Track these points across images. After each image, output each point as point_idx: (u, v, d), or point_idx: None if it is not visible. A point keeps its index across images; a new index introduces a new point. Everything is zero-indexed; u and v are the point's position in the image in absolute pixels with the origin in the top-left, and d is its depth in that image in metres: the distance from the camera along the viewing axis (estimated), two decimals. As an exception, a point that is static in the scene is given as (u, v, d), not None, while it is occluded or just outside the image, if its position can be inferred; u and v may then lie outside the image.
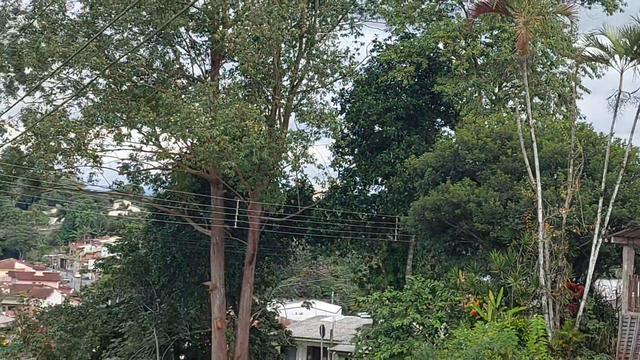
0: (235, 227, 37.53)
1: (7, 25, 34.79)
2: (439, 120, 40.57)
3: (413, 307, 26.97)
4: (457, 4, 37.75)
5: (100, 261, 55.30)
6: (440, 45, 36.95)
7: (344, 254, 43.50)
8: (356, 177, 40.00)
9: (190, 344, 46.94)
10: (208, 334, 42.10)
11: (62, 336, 47.70)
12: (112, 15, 32.71)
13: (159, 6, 32.64)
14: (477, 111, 34.81)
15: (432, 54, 37.16)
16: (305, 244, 43.57)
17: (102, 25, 33.83)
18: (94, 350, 48.01)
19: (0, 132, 33.49)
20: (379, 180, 39.81)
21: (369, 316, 31.53)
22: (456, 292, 26.79)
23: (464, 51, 36.26)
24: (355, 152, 40.36)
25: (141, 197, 44.13)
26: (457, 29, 35.81)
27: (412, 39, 37.50)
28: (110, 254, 50.27)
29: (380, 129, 39.17)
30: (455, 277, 26.96)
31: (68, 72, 33.76)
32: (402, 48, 37.00)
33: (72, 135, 32.61)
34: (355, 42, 38.15)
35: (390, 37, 39.47)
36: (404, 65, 37.24)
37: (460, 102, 36.55)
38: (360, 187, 40.16)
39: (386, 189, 38.88)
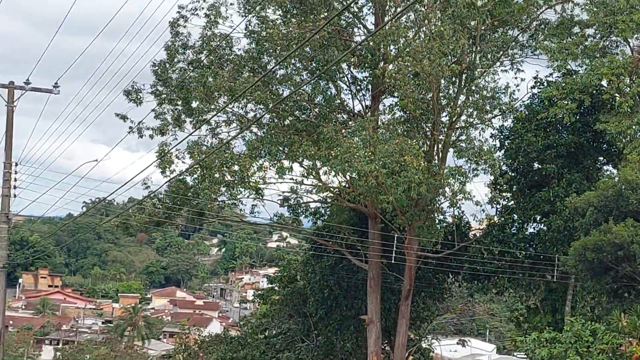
0: (392, 261, 37.64)
1: (176, 60, 36.24)
2: (600, 158, 39.70)
3: (573, 349, 26.42)
4: (622, 41, 36.99)
5: (260, 292, 56.43)
6: (604, 83, 36.25)
7: (501, 292, 42.90)
8: (514, 215, 39.48)
9: (345, 377, 47.17)
10: (363, 368, 42.23)
11: (221, 365, 48.77)
12: (277, 51, 33.65)
13: (323, 42, 33.35)
14: (641, 150, 33.94)
15: (595, 91, 36.47)
16: (461, 281, 43.24)
17: (267, 60, 34.89)
18: (252, 379, 48.85)
19: (168, 164, 34.73)
20: (538, 218, 39.15)
21: (526, 356, 31.01)
22: (618, 336, 26.10)
23: (629, 89, 35.46)
24: (514, 189, 39.89)
25: (300, 229, 44.88)
26: (622, 66, 35.06)
27: (574, 76, 36.93)
28: (269, 285, 51.20)
29: (539, 166, 38.61)
30: (617, 320, 26.29)
31: (233, 106, 34.82)
32: (564, 85, 36.48)
33: (236, 167, 33.60)
34: (516, 78, 37.83)
35: (551, 74, 39.00)
36: (566, 102, 36.61)
37: (623, 140, 35.67)
38: (518, 225, 39.61)
39: (545, 228, 38.21)
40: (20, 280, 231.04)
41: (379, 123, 35.72)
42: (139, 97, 36.25)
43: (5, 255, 34.53)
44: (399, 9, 35.50)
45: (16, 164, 34.61)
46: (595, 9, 36.29)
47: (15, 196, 34.51)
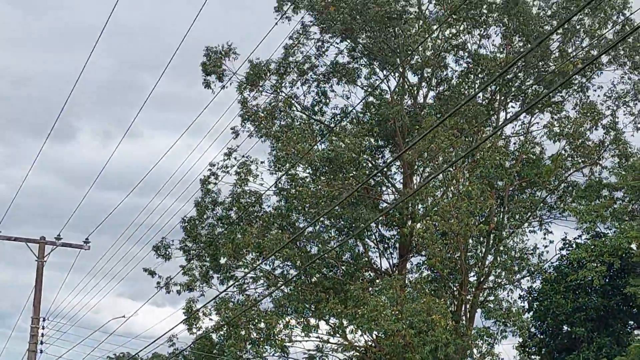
0: None
1: (205, 216, 36.52)
2: (631, 322, 39.08)
3: None
4: (651, 204, 37.10)
5: None
6: (633, 246, 36.09)
7: None
8: (543, 378, 38.72)
9: None
10: None
11: None
12: (306, 209, 33.87)
13: (351, 201, 33.57)
14: (673, 314, 33.47)
15: (624, 254, 36.26)
16: None
17: (295, 217, 35.09)
18: None
19: (194, 320, 34.53)
20: (568, 382, 38.34)
21: None
22: None
23: (659, 252, 35.27)
24: (543, 352, 39.22)
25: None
26: (651, 230, 35.00)
27: (603, 238, 36.84)
28: None
29: (569, 329, 38.04)
30: None
31: (261, 263, 34.82)
32: (593, 247, 36.36)
33: (262, 325, 33.32)
34: (544, 239, 37.79)
35: (580, 236, 38.91)
36: (595, 264, 36.38)
37: (654, 304, 35.28)
38: (547, 389, 38.78)
39: (576, 392, 37.37)
40: None
41: (407, 282, 35.52)
42: (167, 252, 36.48)
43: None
44: (427, 169, 35.92)
45: (44, 319, 34.56)
46: (623, 172, 36.51)
47: (41, 352, 34.29)
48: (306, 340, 35.46)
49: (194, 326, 34.72)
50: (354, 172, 34.12)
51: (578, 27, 35.23)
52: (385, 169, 37.13)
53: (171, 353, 36.33)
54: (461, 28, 35.37)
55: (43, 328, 34.46)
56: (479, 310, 36.47)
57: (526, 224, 37.36)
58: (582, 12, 34.34)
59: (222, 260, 35.59)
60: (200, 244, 36.23)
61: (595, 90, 36.79)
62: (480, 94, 35.96)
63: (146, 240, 37.19)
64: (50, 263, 34.62)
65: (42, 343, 34.41)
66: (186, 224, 36.43)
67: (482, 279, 36.35)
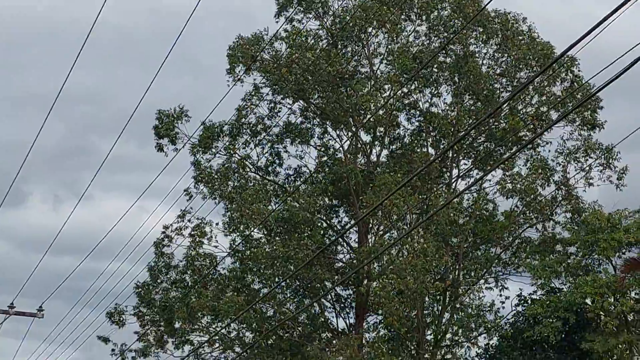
0: None
1: (159, 280, 36.14)
2: (589, 378, 39.09)
3: None
4: (605, 259, 37.28)
5: None
6: (588, 301, 36.21)
7: None
8: None
9: None
10: None
11: None
12: (261, 270, 33.66)
13: (306, 261, 33.41)
14: (630, 370, 33.51)
15: (579, 310, 36.36)
16: None
17: (250, 279, 34.84)
18: None
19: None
20: None
21: None
22: None
23: (614, 307, 35.40)
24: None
25: None
26: (606, 285, 35.13)
27: (558, 294, 36.95)
28: None
29: (528, 388, 37.93)
30: None
31: (216, 326, 34.43)
32: (548, 303, 36.41)
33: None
34: (500, 295, 37.78)
35: (535, 291, 38.97)
36: (551, 320, 36.41)
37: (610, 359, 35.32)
38: None
39: None
40: None
41: (364, 341, 35.28)
42: (121, 319, 36.01)
43: None
44: (381, 227, 35.93)
45: (-3, 392, 33.78)
46: (576, 228, 36.79)
47: None
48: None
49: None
50: (309, 232, 34.03)
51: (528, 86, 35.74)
52: (340, 229, 37.13)
53: None
54: (412, 87, 35.71)
55: (-5, 401, 33.66)
56: (437, 369, 36.31)
57: (482, 281, 37.38)
58: (531, 69, 34.88)
59: (177, 325, 35.17)
60: (155, 308, 35.80)
61: (544, 146, 37.21)
62: (433, 151, 36.23)
63: (101, 307, 36.75)
64: (3, 331, 34.00)
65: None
66: (140, 289, 36.04)
67: (439, 337, 36.20)
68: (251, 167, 36.46)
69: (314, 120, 36.50)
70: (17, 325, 36.02)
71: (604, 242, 35.14)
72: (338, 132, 36.66)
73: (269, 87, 35.28)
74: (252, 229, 33.95)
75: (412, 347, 35.83)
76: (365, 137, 37.02)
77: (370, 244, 34.90)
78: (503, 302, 38.17)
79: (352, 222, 36.77)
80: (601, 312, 35.54)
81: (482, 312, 36.21)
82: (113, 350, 36.04)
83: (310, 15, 35.31)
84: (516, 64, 35.59)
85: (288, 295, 35.68)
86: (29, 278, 32.64)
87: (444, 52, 35.35)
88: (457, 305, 36.00)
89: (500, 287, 37.82)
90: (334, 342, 35.39)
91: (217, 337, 35.53)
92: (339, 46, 35.19)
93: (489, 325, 36.64)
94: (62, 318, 35.40)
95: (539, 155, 36.90)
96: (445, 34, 35.70)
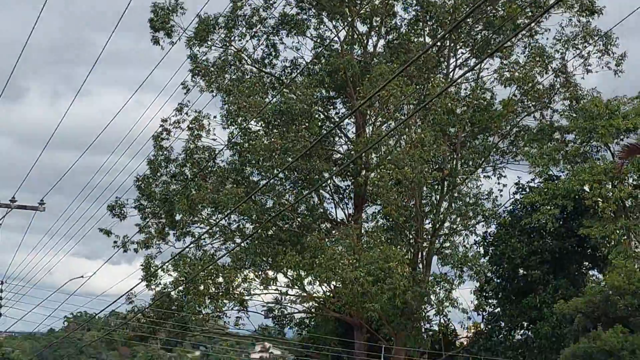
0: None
1: (159, 174, 36.30)
2: (586, 263, 39.57)
3: None
4: (603, 146, 37.33)
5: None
6: (586, 188, 36.38)
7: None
8: (501, 322, 39.12)
9: None
10: None
11: None
12: (260, 162, 33.79)
13: (305, 153, 33.48)
14: (626, 255, 33.85)
15: (577, 197, 36.56)
16: (450, 390, 42.55)
17: (250, 171, 35.01)
18: None
19: (153, 277, 34.45)
20: (525, 325, 38.80)
21: None
22: None
23: (611, 194, 35.58)
24: (500, 295, 39.62)
25: (286, 340, 44.33)
26: (603, 172, 35.26)
27: (556, 181, 37.12)
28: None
29: (524, 272, 38.45)
30: None
31: (217, 218, 34.74)
32: (546, 190, 36.62)
33: (221, 279, 33.34)
34: (498, 183, 37.98)
35: (533, 179, 39.20)
36: (549, 207, 36.64)
37: (608, 245, 35.67)
38: (505, 332, 39.21)
39: (532, 335, 37.83)
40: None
41: (363, 231, 35.63)
42: (122, 212, 36.29)
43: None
44: (379, 118, 35.87)
45: (1, 282, 34.35)
46: (574, 115, 36.72)
47: (0, 315, 34.15)
48: (265, 293, 35.65)
49: (153, 283, 34.65)
50: (306, 124, 34.01)
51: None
52: (337, 121, 37.07)
53: (130, 310, 36.28)
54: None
55: (1, 291, 34.26)
56: (435, 257, 36.73)
57: (480, 170, 37.54)
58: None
59: (178, 217, 35.48)
60: (155, 201, 36.05)
61: (543, 34, 36.84)
62: (430, 40, 35.90)
63: (101, 201, 37.00)
64: (5, 225, 34.33)
65: (0, 306, 34.23)
66: (140, 182, 36.22)
67: (437, 225, 36.54)
68: (247, 59, 36.24)
69: (310, 11, 36.07)
70: (19, 220, 36.47)
71: (602, 129, 35.13)
72: (334, 23, 36.31)
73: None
74: (250, 121, 33.96)
75: (411, 236, 36.21)
76: (362, 28, 36.71)
77: (367, 135, 34.93)
78: (501, 191, 38.46)
79: (350, 113, 36.70)
80: (599, 199, 35.74)
81: (480, 200, 36.48)
82: (115, 242, 36.40)
83: None
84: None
85: (287, 187, 35.88)
86: (29, 172, 32.79)
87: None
88: (455, 194, 36.21)
89: (498, 176, 38.05)
90: (334, 232, 35.78)
91: (217, 229, 35.90)
92: None
93: (487, 214, 36.96)
94: (64, 211, 35.73)
95: (537, 43, 36.57)
96: None
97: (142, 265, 35.62)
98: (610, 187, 36.00)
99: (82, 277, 35.07)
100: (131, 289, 34.28)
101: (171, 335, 39.20)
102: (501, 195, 37.91)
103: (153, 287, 35.06)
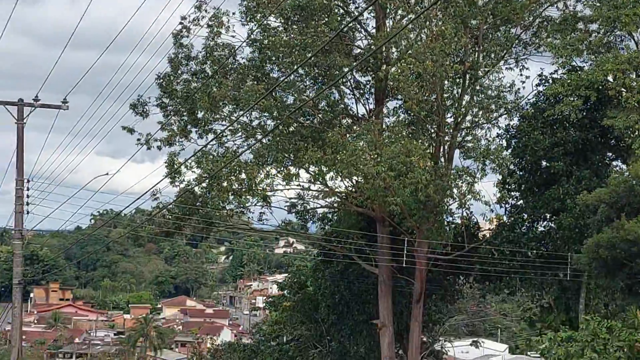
0: (402, 265, 37.46)
1: (180, 72, 36.22)
2: (609, 154, 39.47)
3: (589, 347, 26.20)
4: (627, 35, 36.82)
5: (270, 299, 56.40)
6: (610, 78, 36.02)
7: (513, 292, 42.72)
8: (524, 214, 39.28)
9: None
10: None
11: (234, 373, 48.87)
12: (280, 59, 33.59)
13: (324, 48, 33.25)
14: (650, 144, 33.70)
15: (601, 87, 36.23)
16: (472, 282, 43.08)
17: (270, 68, 34.85)
18: (265, 387, 48.86)
19: (176, 174, 34.67)
20: (548, 216, 38.96)
21: (540, 356, 30.82)
22: (635, 332, 25.88)
23: (635, 83, 35.24)
24: (523, 188, 39.69)
25: (309, 235, 44.80)
26: (627, 61, 34.86)
27: (579, 72, 36.74)
28: (279, 292, 51.09)
29: (547, 164, 38.41)
30: (633, 316, 26.09)
31: (238, 115, 34.75)
32: (569, 81, 36.26)
33: (243, 175, 33.56)
34: (521, 75, 37.63)
35: (556, 71, 38.80)
36: (572, 98, 36.37)
37: (631, 135, 35.48)
38: (528, 224, 39.41)
39: (555, 226, 38.00)
40: (31, 295, 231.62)
41: (384, 126, 35.59)
42: (145, 110, 36.30)
43: (20, 272, 34.57)
44: (399, 12, 35.41)
45: (28, 181, 34.59)
46: (598, 4, 36.10)
47: (28, 212, 34.51)
48: (287, 189, 35.89)
49: (177, 180, 34.92)
50: (326, 19, 33.65)
51: None
52: (357, 13, 36.61)
53: (155, 207, 36.65)
54: None
55: (28, 189, 34.53)
56: (457, 151, 36.74)
57: (502, 62, 37.14)
58: None
59: (200, 115, 35.53)
60: (177, 99, 36.05)
61: None
62: None
63: (123, 99, 36.98)
64: (29, 125, 34.45)
65: (28, 204, 34.56)
66: (161, 80, 36.15)
67: (459, 119, 36.41)
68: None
69: None
70: (43, 120, 36.37)
71: (626, 18, 34.61)
72: None
73: None
74: (269, 17, 33.64)
75: (432, 130, 36.14)
76: None
77: (387, 29, 34.55)
78: (523, 83, 38.12)
79: (369, 8, 36.22)
80: (622, 89, 35.45)
81: (502, 93, 36.25)
82: (138, 139, 36.51)
83: None
84: None
85: (307, 83, 35.71)
86: (51, 71, 32.81)
87: None
88: (477, 87, 35.94)
89: (521, 68, 37.72)
90: (355, 127, 35.74)
91: (239, 126, 35.96)
92: None
93: (510, 106, 36.80)
94: (86, 110, 35.67)
95: None
96: None
97: (165, 162, 35.89)
98: (634, 76, 35.66)
99: (106, 174, 35.22)
100: (155, 185, 34.57)
101: (196, 231, 39.64)
102: (524, 88, 37.66)
103: (177, 184, 35.35)
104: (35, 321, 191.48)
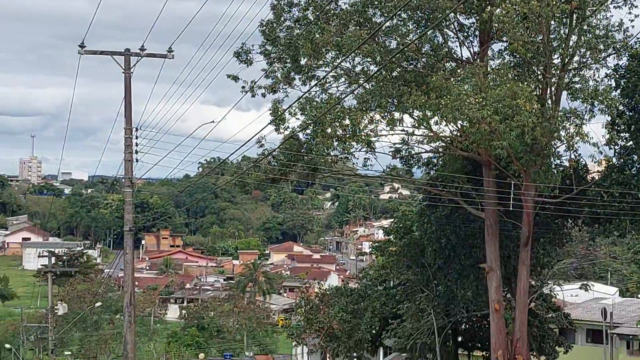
0: (509, 208, 37.18)
1: (282, 19, 36.41)
2: None
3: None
4: None
5: (376, 244, 56.79)
6: None
7: (623, 234, 42.05)
8: (634, 156, 38.48)
9: (467, 326, 47.20)
10: (485, 316, 42.14)
11: (343, 317, 49.59)
12: (382, 3, 33.41)
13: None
14: None
15: None
16: (581, 225, 42.53)
17: (372, 13, 34.70)
18: (373, 331, 49.46)
19: (281, 121, 35.01)
20: (660, 158, 38.08)
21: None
22: None
23: None
24: (632, 129, 38.79)
25: (414, 180, 44.81)
26: None
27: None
28: (385, 237, 51.36)
29: (659, 104, 37.44)
30: None
31: (341, 61, 34.77)
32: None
33: (347, 121, 33.68)
34: (629, 13, 36.51)
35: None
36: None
37: None
38: (638, 166, 38.61)
39: (668, 167, 37.16)
40: (143, 242, 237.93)
41: (489, 69, 35.16)
42: (248, 57, 36.64)
43: (131, 219, 35.50)
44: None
45: (136, 129, 35.31)
46: None
47: (137, 161, 35.27)
48: (391, 134, 35.85)
49: (281, 127, 35.25)
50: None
51: None
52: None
53: (260, 154, 37.11)
54: None
55: (137, 138, 35.26)
56: (564, 92, 36.10)
57: (609, 0, 36.15)
58: None
59: (303, 61, 35.68)
60: (280, 46, 36.27)
61: None
62: None
63: (226, 47, 37.32)
64: (136, 75, 35.15)
65: (137, 152, 35.32)
66: (264, 27, 36.40)
67: (566, 60, 35.71)
68: None
69: None
70: (149, 70, 36.91)
71: None
72: None
73: None
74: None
75: (539, 72, 35.58)
76: None
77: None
78: (632, 21, 36.93)
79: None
80: None
81: (611, 32, 35.39)
82: (243, 87, 36.90)
83: None
84: None
85: (410, 26, 35.42)
86: (155, 21, 33.25)
87: None
88: (585, 27, 35.13)
89: (630, 6, 36.51)
90: (459, 71, 35.38)
91: (342, 72, 36.01)
92: None
93: (618, 45, 35.91)
94: (190, 59, 36.09)
95: None
96: None
97: (269, 109, 36.25)
98: None
99: (212, 122, 35.71)
100: (260, 131, 34.93)
101: (301, 177, 40.01)
102: (632, 26, 36.59)
103: (281, 130, 35.66)
104: (147, 267, 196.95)
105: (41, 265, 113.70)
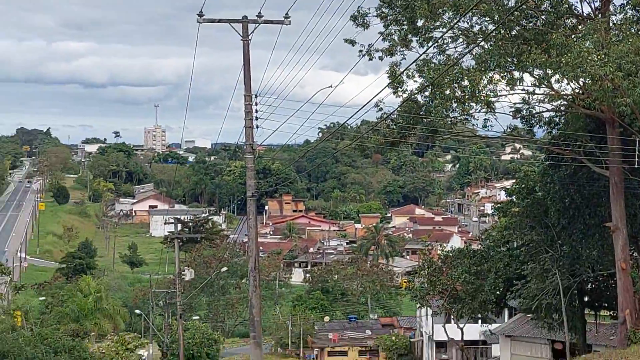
0: (635, 166, 36.42)
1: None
2: None
3: None
4: None
5: (498, 205, 56.36)
6: None
7: None
8: None
9: (593, 286, 46.55)
10: (612, 276, 41.48)
11: (466, 279, 49.60)
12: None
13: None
14: None
15: None
16: None
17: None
18: (497, 292, 49.31)
19: (399, 84, 35.00)
20: None
21: None
22: None
23: None
24: None
25: (535, 140, 44.22)
26: None
27: None
28: (508, 198, 50.93)
29: None
30: None
31: (458, 21, 34.49)
32: None
33: (466, 82, 33.43)
34: None
35: None
36: None
37: None
38: None
39: None
40: (266, 207, 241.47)
41: (611, 24, 34.34)
42: (365, 21, 36.65)
43: (253, 184, 36.11)
44: None
45: (256, 96, 35.76)
46: None
47: (257, 127, 35.76)
48: (511, 94, 35.44)
49: (399, 89, 35.24)
50: None
51: None
52: None
53: (379, 118, 37.19)
54: None
55: (256, 104, 35.71)
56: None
57: None
58: None
59: (420, 23, 35.50)
60: (396, 8, 36.15)
61: None
62: None
63: (343, 11, 37.39)
64: (254, 43, 35.55)
65: (257, 119, 35.78)
66: (380, -10, 36.34)
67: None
68: None
69: None
70: (266, 37, 37.27)
71: None
72: None
73: None
74: None
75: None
76: None
77: None
78: None
79: None
80: None
81: None
82: (360, 51, 36.95)
83: None
84: None
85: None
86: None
87: None
88: None
89: None
90: (580, 27, 34.69)
91: (459, 32, 35.73)
92: None
93: None
94: (307, 24, 36.29)
95: None
96: None
97: (387, 72, 36.23)
98: None
99: (330, 86, 35.91)
100: (377, 94, 34.87)
101: (421, 140, 40.00)
102: None
103: (400, 93, 35.63)
104: (271, 232, 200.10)
105: (168, 232, 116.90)
